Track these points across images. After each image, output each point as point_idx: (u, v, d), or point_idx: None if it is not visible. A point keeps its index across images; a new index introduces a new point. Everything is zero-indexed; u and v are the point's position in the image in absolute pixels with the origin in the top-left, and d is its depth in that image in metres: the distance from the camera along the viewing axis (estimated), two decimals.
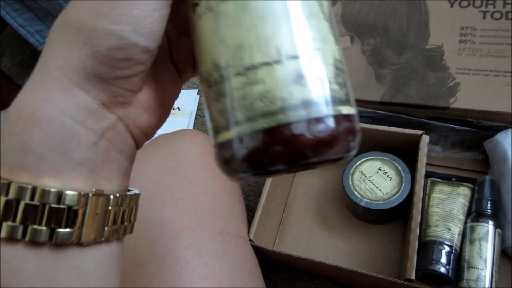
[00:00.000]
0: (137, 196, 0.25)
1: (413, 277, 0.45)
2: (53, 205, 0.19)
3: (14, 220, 0.19)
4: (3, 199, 0.19)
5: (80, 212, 0.20)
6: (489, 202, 0.52)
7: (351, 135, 0.20)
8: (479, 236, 0.50)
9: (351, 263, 0.57)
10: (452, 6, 0.62)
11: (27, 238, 0.19)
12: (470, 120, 0.56)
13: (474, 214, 0.52)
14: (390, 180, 0.55)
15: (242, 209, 0.53)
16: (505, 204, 0.52)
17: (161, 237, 0.43)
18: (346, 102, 0.20)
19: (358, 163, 0.57)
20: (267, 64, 0.19)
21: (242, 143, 0.19)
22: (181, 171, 0.49)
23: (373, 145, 0.58)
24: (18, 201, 0.19)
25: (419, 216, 0.49)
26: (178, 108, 0.86)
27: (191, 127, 0.83)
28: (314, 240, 0.60)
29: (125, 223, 0.23)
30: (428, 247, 0.52)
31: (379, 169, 0.56)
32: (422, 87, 0.58)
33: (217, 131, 0.21)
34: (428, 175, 0.59)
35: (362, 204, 0.54)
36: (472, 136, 0.57)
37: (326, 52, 0.20)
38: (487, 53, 0.57)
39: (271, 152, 0.19)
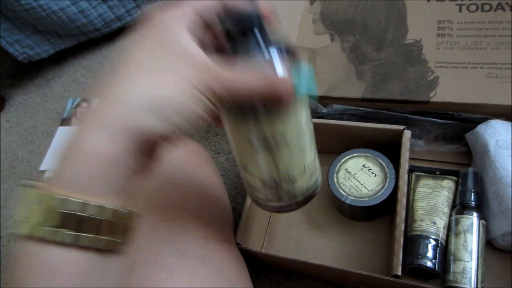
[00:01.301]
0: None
1: (399, 272, 0.45)
2: (114, 220, 0.25)
3: (92, 232, 0.24)
4: (80, 214, 0.23)
5: (128, 226, 0.26)
6: (472, 194, 0.52)
7: None
8: (464, 229, 0.50)
9: (340, 261, 0.57)
10: (429, 0, 0.62)
11: (101, 247, 0.24)
12: (451, 113, 0.56)
13: (459, 206, 0.53)
14: (375, 176, 0.55)
15: (228, 213, 0.53)
16: (488, 195, 0.52)
17: (146, 244, 0.42)
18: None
19: (342, 161, 0.57)
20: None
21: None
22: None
23: (357, 142, 0.58)
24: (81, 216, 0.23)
25: (404, 211, 0.50)
26: None
27: None
28: (302, 240, 0.60)
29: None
30: (414, 242, 0.52)
31: (364, 166, 0.56)
32: (403, 82, 0.58)
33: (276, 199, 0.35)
34: (412, 169, 0.59)
35: (347, 201, 0.54)
36: (454, 129, 0.57)
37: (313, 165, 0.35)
38: (464, 46, 0.57)
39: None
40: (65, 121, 0.93)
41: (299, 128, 0.31)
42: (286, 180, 0.33)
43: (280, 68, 0.27)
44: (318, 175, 0.37)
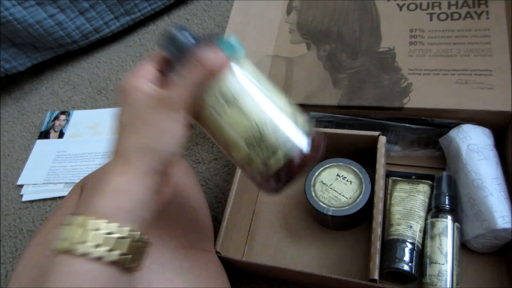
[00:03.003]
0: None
1: (376, 277, 0.46)
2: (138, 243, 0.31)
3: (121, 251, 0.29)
4: (118, 236, 0.30)
5: (145, 250, 0.32)
6: (447, 197, 0.53)
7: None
8: (439, 231, 0.51)
9: (320, 268, 0.57)
10: (401, 9, 0.64)
11: (127, 264, 0.30)
12: (425, 119, 0.58)
13: (434, 210, 0.54)
14: (350, 183, 0.56)
15: (207, 222, 0.53)
16: (462, 198, 0.53)
17: None
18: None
19: (316, 173, 0.58)
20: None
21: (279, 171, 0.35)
22: None
23: (334, 149, 0.59)
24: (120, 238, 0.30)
25: (380, 216, 0.51)
26: None
27: None
28: (282, 248, 0.61)
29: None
30: (391, 246, 0.53)
31: (338, 175, 0.57)
32: (377, 89, 0.59)
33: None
34: (389, 174, 0.60)
35: (329, 213, 0.55)
36: (428, 134, 0.59)
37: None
38: (436, 53, 0.59)
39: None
40: (43, 134, 0.92)
41: (245, 71, 0.34)
42: (266, 126, 0.33)
43: (204, 50, 0.33)
44: (304, 117, 0.36)
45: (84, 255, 0.28)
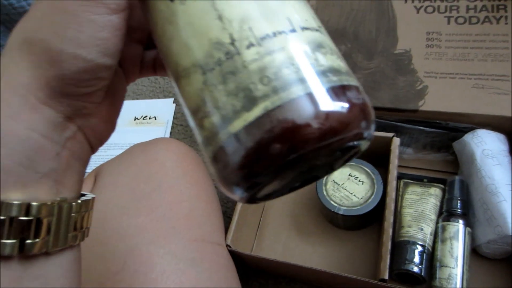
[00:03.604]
0: (93, 200, 0.25)
1: (386, 277, 0.46)
2: (21, 218, 0.20)
3: None
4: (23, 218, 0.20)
5: (45, 222, 0.20)
6: (459, 201, 0.53)
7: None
8: (450, 235, 0.51)
9: (328, 266, 0.57)
10: (418, 12, 0.64)
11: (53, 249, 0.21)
12: (439, 122, 0.57)
13: (445, 213, 0.54)
14: (362, 184, 0.56)
15: (218, 216, 0.54)
16: (474, 203, 0.53)
17: (136, 245, 0.43)
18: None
19: None
20: (283, 33, 0.19)
21: (277, 117, 0.18)
22: (156, 180, 0.49)
23: None
24: None
25: (392, 217, 0.50)
26: (155, 117, 0.86)
27: (167, 135, 0.83)
28: (291, 245, 0.61)
29: (84, 228, 0.24)
30: (401, 247, 0.53)
31: (350, 175, 0.57)
32: (392, 90, 0.59)
33: (231, 116, 0.18)
34: (400, 176, 0.60)
35: (340, 212, 0.54)
36: (442, 138, 0.59)
37: (323, 29, 0.22)
38: (452, 57, 0.59)
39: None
40: None
41: None
42: (240, 30, 0.18)
43: None
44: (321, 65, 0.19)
45: None
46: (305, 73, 0.18)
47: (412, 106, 0.57)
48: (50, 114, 0.20)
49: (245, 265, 0.57)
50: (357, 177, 0.57)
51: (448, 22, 0.61)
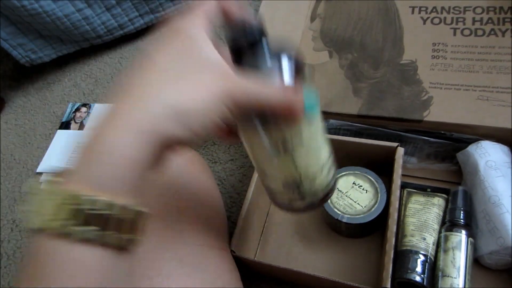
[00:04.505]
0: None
1: (388, 285, 0.47)
2: (134, 219, 0.26)
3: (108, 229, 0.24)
4: (107, 213, 0.24)
5: (143, 225, 0.27)
6: (462, 212, 0.54)
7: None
8: (453, 245, 0.51)
9: (331, 273, 0.58)
10: (424, 23, 0.64)
11: (122, 244, 0.25)
12: (443, 133, 0.58)
13: (448, 223, 0.54)
14: (366, 192, 0.57)
15: (223, 221, 0.54)
16: (477, 214, 0.54)
17: (143, 249, 0.43)
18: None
19: None
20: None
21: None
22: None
23: (351, 158, 0.59)
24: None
25: (395, 226, 0.51)
26: None
27: None
28: (294, 251, 0.61)
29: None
30: (404, 256, 0.53)
31: (354, 183, 0.58)
32: (397, 100, 0.60)
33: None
34: (404, 186, 0.61)
35: (344, 220, 0.55)
36: (446, 148, 0.59)
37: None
38: (458, 68, 0.59)
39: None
40: (64, 125, 0.94)
41: (313, 128, 0.33)
42: (307, 178, 0.35)
43: (289, 80, 0.29)
44: (334, 170, 0.39)
45: (74, 238, 0.23)
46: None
47: (417, 116, 0.58)
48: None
49: (249, 270, 0.58)
50: (361, 186, 0.58)
51: (454, 34, 0.62)
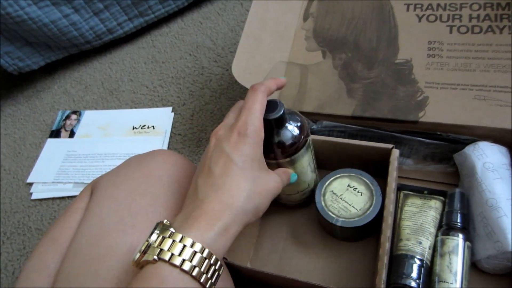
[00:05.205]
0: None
1: None
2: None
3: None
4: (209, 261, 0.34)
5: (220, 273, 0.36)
6: (459, 214, 0.52)
7: None
8: (449, 250, 0.50)
9: (325, 279, 0.57)
10: (420, 20, 0.63)
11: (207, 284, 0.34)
12: (440, 134, 0.57)
13: (445, 227, 0.53)
14: (361, 195, 0.55)
15: None
16: (475, 217, 0.52)
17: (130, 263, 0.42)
18: None
19: (327, 183, 0.57)
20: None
21: None
22: (152, 194, 0.48)
23: (345, 159, 0.58)
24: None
25: (389, 230, 0.50)
26: (153, 126, 0.85)
27: (166, 145, 0.82)
28: (288, 256, 0.60)
29: None
30: (399, 261, 0.52)
31: (349, 185, 0.56)
32: (392, 101, 0.58)
33: None
34: (401, 188, 0.59)
35: (338, 223, 0.54)
36: (442, 149, 0.58)
37: None
38: (454, 67, 0.58)
39: None
40: (54, 133, 0.93)
41: (305, 163, 0.53)
42: (306, 187, 0.58)
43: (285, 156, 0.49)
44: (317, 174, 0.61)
45: (177, 265, 0.32)
46: None
47: (412, 117, 0.56)
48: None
49: (242, 277, 0.56)
50: (356, 188, 0.56)
51: (451, 31, 0.61)
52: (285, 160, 0.49)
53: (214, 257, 0.34)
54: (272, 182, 0.41)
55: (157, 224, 0.36)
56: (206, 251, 0.33)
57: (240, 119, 0.40)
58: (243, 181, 0.38)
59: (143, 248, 0.34)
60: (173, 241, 0.33)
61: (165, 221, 0.37)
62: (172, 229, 0.35)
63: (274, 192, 0.42)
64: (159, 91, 0.92)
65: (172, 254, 0.32)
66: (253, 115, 0.40)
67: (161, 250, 0.33)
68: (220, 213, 0.36)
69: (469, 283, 0.49)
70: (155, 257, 0.33)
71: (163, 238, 0.34)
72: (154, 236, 0.35)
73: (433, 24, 0.62)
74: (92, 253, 0.44)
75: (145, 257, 0.33)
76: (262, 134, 0.40)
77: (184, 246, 0.33)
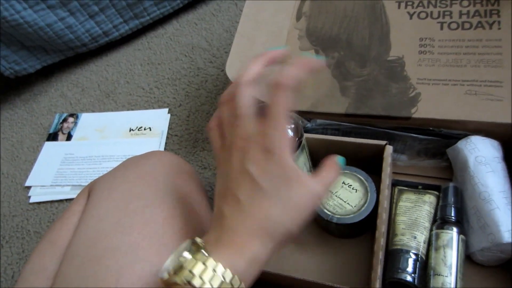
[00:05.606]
0: None
1: (377, 286, 0.46)
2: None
3: None
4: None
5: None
6: (453, 208, 0.53)
7: None
8: (444, 243, 0.51)
9: (322, 274, 0.57)
10: (411, 18, 0.64)
11: None
12: (432, 129, 0.57)
13: (439, 221, 0.53)
14: (356, 192, 0.56)
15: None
16: (468, 210, 0.53)
17: (130, 263, 0.43)
18: None
19: None
20: None
21: None
22: (149, 195, 0.49)
23: None
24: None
25: (384, 226, 0.50)
26: (150, 128, 0.86)
27: (162, 146, 0.83)
28: (284, 253, 0.61)
29: None
30: (394, 256, 0.52)
31: (343, 182, 0.57)
32: (385, 98, 0.59)
33: None
34: (395, 183, 0.60)
35: (334, 220, 0.54)
36: (435, 144, 0.58)
37: None
38: (445, 63, 0.58)
39: None
40: (51, 136, 0.93)
41: (301, 164, 0.52)
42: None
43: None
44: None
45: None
46: None
47: (405, 113, 0.57)
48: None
49: None
50: (351, 185, 0.57)
51: (441, 28, 0.61)
52: None
53: (242, 285, 0.33)
54: (308, 197, 0.35)
55: (191, 242, 0.34)
56: (236, 279, 0.32)
57: (265, 132, 0.34)
58: (272, 206, 0.34)
59: (174, 268, 0.32)
60: (205, 266, 0.31)
61: (198, 240, 0.34)
62: (203, 251, 0.33)
63: (310, 207, 0.36)
64: (155, 93, 0.92)
65: (203, 281, 0.31)
66: (279, 125, 0.34)
67: (193, 274, 0.31)
68: (250, 243, 0.33)
69: (464, 276, 0.50)
70: (185, 280, 0.31)
71: (196, 261, 0.32)
72: (187, 255, 0.32)
73: (424, 21, 0.63)
74: (89, 255, 0.44)
75: (175, 279, 0.32)
76: (290, 146, 0.35)
77: (214, 272, 0.31)
